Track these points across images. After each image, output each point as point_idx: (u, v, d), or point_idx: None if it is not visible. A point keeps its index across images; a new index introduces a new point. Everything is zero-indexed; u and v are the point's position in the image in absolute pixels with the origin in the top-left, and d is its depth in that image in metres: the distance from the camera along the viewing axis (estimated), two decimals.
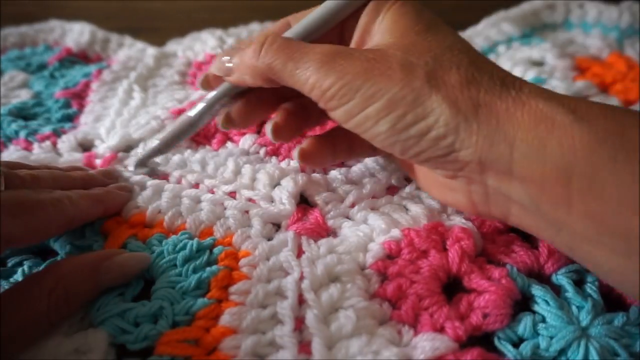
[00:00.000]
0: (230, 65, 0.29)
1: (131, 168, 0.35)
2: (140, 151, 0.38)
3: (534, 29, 0.53)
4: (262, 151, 0.37)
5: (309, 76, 0.26)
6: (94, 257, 0.26)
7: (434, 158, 0.25)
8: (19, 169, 0.29)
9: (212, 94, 0.32)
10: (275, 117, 0.32)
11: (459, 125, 0.23)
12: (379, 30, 0.28)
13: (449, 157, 0.24)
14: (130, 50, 0.52)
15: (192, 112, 0.33)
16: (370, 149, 0.32)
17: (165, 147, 0.35)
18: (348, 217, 0.32)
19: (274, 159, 0.37)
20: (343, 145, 0.32)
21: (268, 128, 0.31)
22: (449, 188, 0.27)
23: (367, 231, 0.30)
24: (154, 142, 0.35)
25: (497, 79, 0.24)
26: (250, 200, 0.33)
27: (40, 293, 0.24)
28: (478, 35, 0.52)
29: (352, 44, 0.29)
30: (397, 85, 0.24)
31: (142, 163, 0.35)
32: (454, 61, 0.25)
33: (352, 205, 0.32)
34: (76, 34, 0.54)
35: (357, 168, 0.35)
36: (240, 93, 0.32)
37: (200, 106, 0.32)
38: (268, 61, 0.27)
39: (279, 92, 0.31)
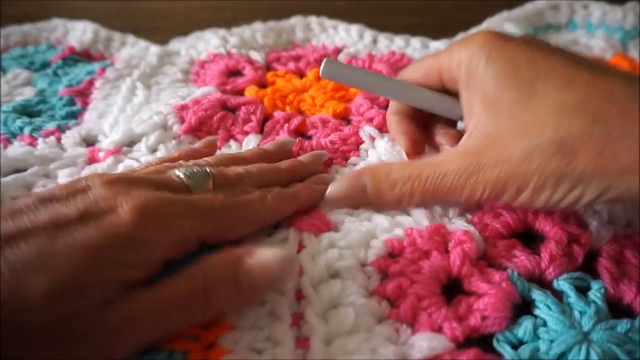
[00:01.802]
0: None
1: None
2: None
3: (537, 29, 0.53)
4: None
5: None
6: (236, 251, 0.25)
7: None
8: (231, 166, 0.31)
9: None
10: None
11: None
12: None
13: None
14: (133, 49, 0.53)
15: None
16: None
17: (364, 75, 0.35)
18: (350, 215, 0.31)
19: None
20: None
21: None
22: None
23: (370, 227, 0.30)
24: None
25: None
26: None
27: (181, 277, 0.23)
28: None
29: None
30: None
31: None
32: None
33: None
34: (79, 32, 0.54)
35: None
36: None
37: None
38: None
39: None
